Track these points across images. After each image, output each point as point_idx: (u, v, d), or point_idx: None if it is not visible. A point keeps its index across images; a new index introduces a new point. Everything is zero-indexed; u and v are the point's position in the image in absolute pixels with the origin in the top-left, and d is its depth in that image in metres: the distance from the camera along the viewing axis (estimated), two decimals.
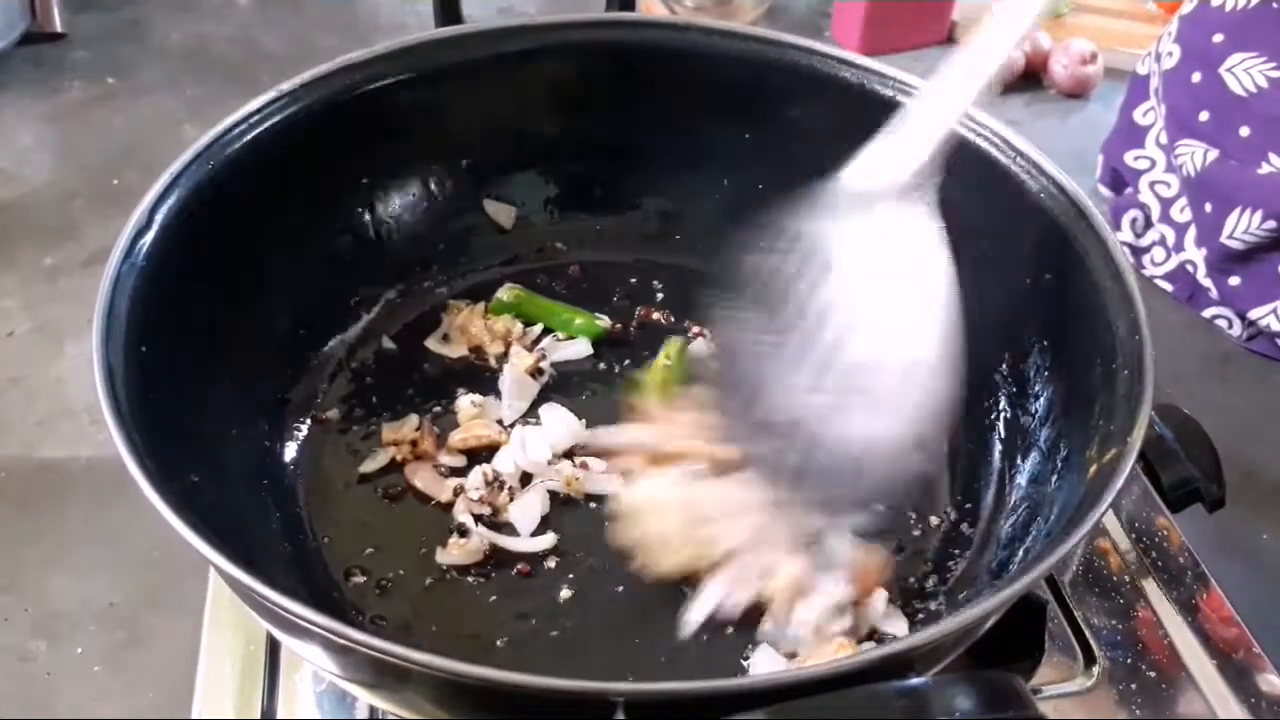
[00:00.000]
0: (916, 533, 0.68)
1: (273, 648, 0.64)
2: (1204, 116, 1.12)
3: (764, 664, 0.60)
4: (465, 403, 0.73)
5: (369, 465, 0.70)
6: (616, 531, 0.65)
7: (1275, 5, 1.05)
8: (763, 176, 0.82)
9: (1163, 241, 1.21)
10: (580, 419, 0.72)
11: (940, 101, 0.60)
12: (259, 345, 0.71)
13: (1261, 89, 1.06)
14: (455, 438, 0.71)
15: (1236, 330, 1.14)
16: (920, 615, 0.63)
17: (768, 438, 0.60)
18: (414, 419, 0.72)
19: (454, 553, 0.65)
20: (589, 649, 0.62)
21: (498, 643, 0.61)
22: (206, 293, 0.65)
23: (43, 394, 1.10)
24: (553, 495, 0.68)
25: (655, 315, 0.81)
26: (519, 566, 0.65)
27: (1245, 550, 0.91)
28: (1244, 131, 1.08)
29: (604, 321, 0.80)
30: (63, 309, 1.20)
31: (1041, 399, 0.66)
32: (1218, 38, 1.09)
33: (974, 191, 0.64)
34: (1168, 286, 1.20)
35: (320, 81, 0.70)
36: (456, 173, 0.81)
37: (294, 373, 0.73)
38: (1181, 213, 1.18)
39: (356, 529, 0.66)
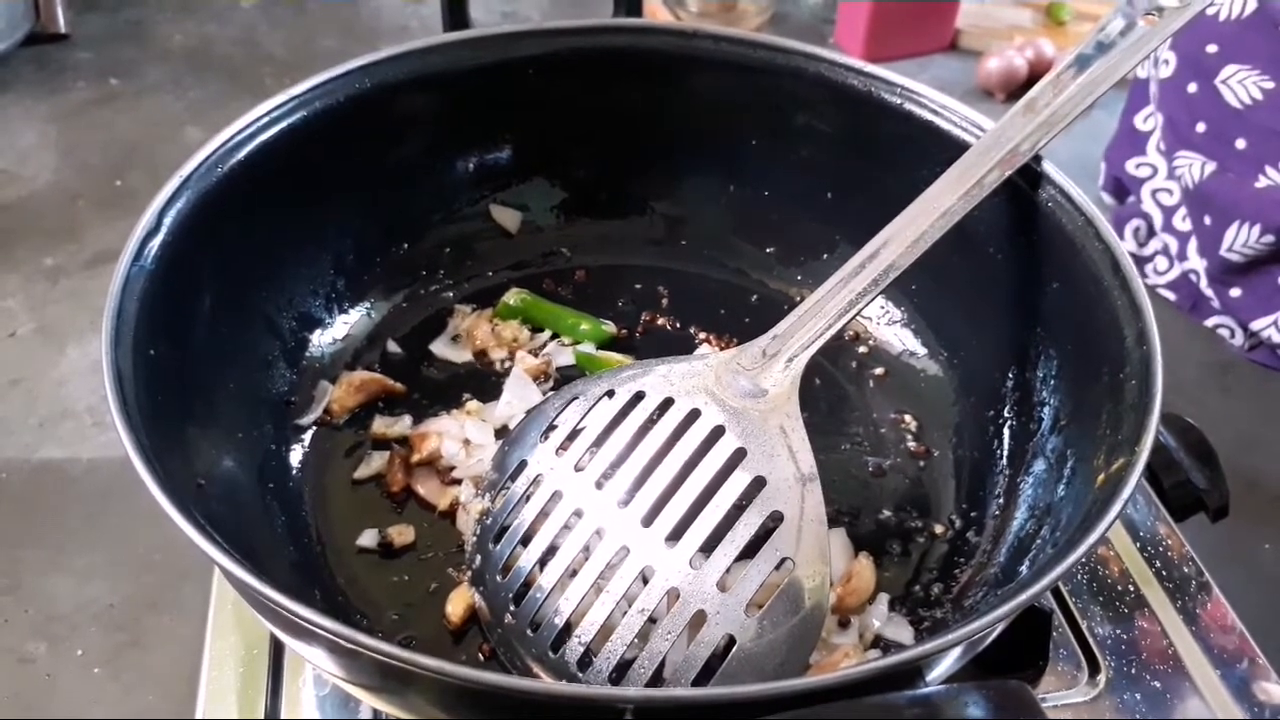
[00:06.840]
0: (922, 540, 0.68)
1: (276, 651, 0.64)
2: (1201, 128, 1.12)
3: None
4: (448, 422, 0.72)
5: (364, 470, 0.70)
6: None
7: (1267, 15, 1.05)
8: (768, 182, 0.82)
9: (1165, 251, 1.21)
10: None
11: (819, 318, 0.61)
12: (266, 348, 0.71)
13: (1257, 101, 1.07)
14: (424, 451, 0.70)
15: (1239, 340, 1.14)
16: (926, 623, 0.63)
17: None
18: (407, 419, 0.73)
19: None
20: None
21: None
22: (214, 295, 0.65)
23: (44, 395, 1.10)
24: None
25: (661, 320, 0.81)
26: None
27: (1248, 559, 0.91)
28: (1240, 144, 1.09)
29: (610, 326, 0.80)
30: (64, 310, 1.20)
31: (1048, 407, 0.66)
32: (1211, 48, 1.10)
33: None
34: (1170, 295, 1.20)
35: (329, 85, 0.70)
36: (463, 177, 0.81)
37: (300, 376, 0.73)
38: (1183, 222, 1.18)
39: (361, 534, 0.66)
